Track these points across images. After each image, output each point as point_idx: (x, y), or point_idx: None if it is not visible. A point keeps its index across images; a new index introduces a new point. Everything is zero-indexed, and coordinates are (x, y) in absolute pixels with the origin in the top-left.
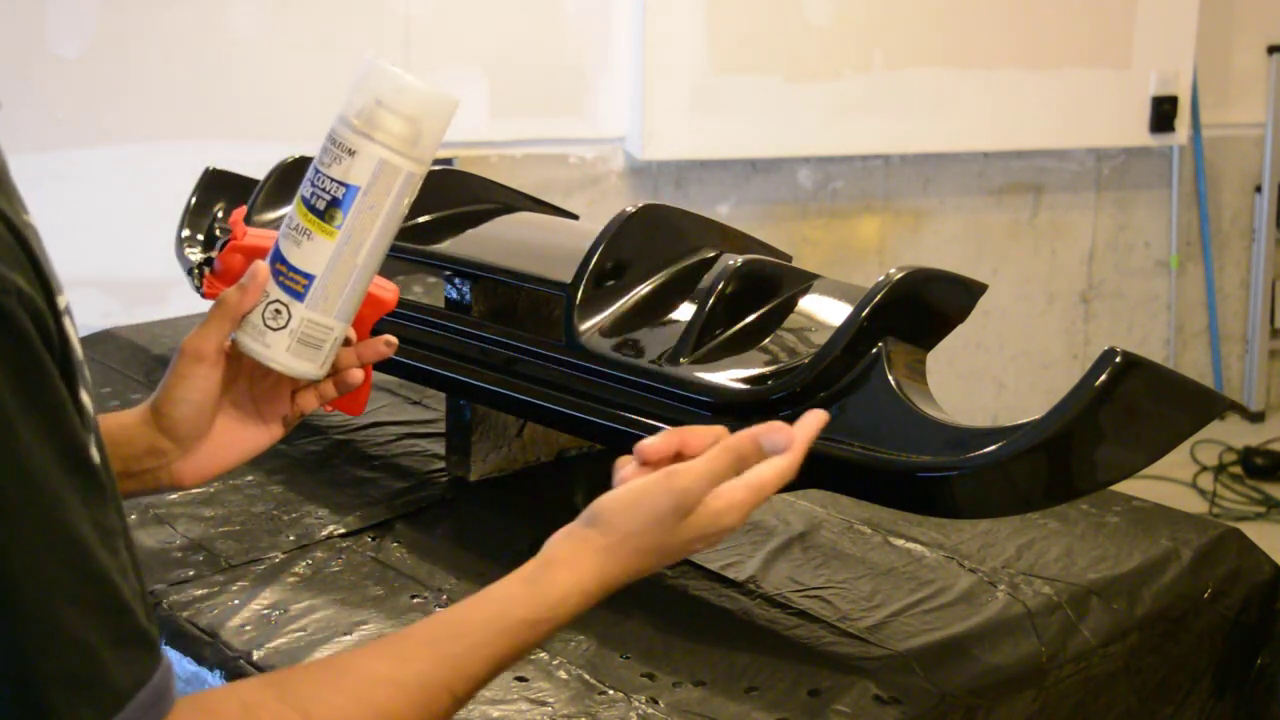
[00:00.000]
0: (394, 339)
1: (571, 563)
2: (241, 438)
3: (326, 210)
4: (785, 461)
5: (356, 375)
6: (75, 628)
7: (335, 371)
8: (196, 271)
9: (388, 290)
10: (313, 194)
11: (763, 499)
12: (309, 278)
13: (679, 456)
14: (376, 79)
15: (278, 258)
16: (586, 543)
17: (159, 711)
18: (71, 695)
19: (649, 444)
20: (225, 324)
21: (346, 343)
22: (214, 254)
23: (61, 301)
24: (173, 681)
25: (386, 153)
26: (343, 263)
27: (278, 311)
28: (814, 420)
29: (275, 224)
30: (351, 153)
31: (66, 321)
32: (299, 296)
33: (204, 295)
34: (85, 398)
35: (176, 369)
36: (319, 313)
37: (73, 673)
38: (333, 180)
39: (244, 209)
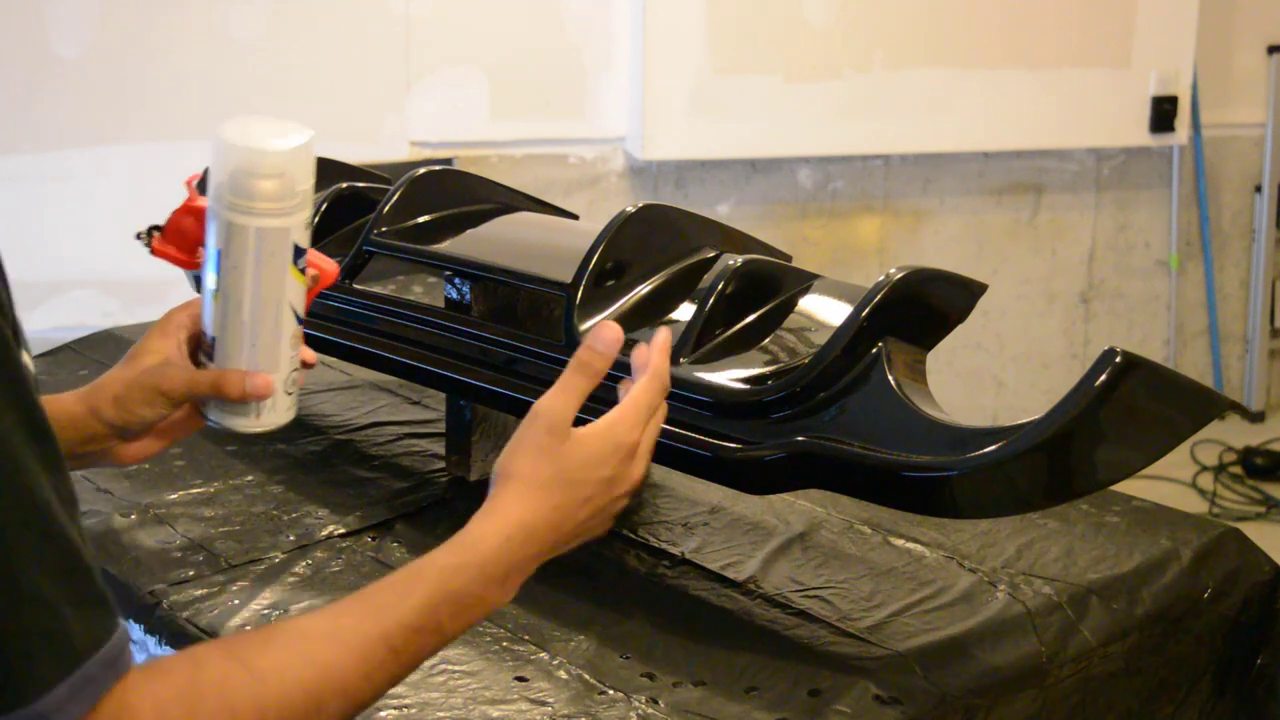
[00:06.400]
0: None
1: (489, 508)
2: (177, 426)
3: (210, 275)
4: (652, 379)
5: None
6: (38, 586)
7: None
8: (145, 234)
9: (329, 265)
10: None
11: (646, 416)
12: (210, 339)
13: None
14: (214, 149)
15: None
16: (501, 488)
17: (116, 671)
18: (34, 650)
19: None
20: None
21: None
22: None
23: None
24: (129, 646)
25: (230, 214)
26: (229, 320)
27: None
28: (662, 338)
29: None
30: (215, 222)
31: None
32: (209, 356)
33: (152, 253)
34: (27, 360)
35: (145, 397)
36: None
37: (35, 629)
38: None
39: (199, 175)
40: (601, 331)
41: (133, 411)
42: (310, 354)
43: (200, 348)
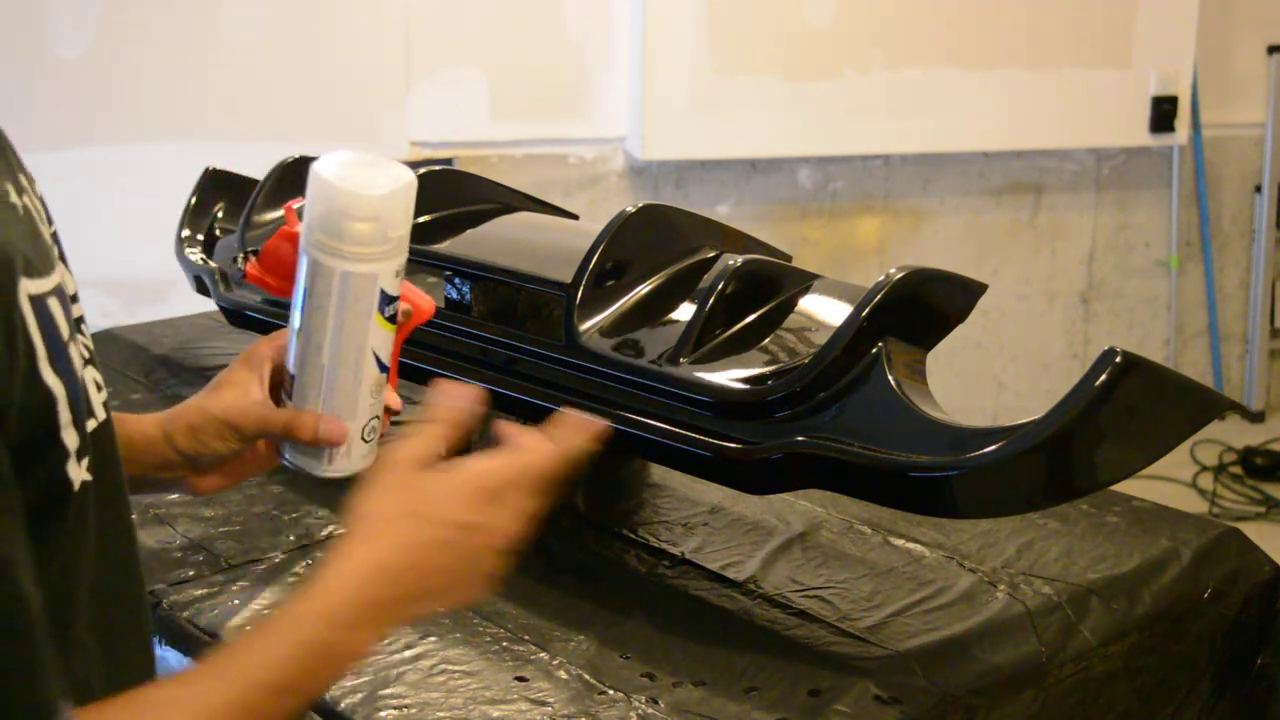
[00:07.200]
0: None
1: (337, 551)
2: (254, 461)
3: (296, 313)
4: (555, 449)
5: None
6: None
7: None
8: (241, 258)
9: (424, 301)
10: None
11: (521, 474)
12: (290, 377)
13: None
14: (310, 184)
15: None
16: (350, 530)
17: None
18: None
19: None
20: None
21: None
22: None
23: (38, 285)
24: None
25: (317, 253)
26: (308, 361)
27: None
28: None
29: (276, 225)
30: (304, 258)
31: (22, 300)
32: (288, 394)
33: (245, 279)
34: (48, 376)
35: (218, 430)
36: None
37: None
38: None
39: (301, 200)
40: (450, 387)
41: (205, 443)
42: (395, 400)
43: (282, 384)
